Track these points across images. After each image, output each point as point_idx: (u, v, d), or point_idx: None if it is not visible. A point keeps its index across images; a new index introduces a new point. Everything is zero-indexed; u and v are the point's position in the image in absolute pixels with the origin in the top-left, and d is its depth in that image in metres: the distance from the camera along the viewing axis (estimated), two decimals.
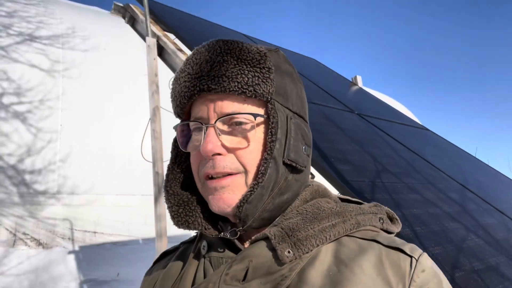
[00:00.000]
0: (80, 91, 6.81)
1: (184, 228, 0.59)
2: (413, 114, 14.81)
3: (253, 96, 0.55)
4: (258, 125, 0.56)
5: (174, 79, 0.61)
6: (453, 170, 2.25)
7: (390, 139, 2.29)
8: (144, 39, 2.33)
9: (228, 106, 0.55)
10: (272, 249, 0.53)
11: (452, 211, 1.55)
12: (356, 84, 3.81)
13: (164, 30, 2.35)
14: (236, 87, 0.54)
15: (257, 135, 0.56)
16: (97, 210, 6.54)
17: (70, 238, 6.23)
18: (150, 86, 2.23)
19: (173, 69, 2.20)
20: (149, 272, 0.73)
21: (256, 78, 0.55)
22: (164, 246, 2.05)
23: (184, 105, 0.58)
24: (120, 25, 7.81)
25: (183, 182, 0.63)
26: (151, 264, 0.76)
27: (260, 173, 0.54)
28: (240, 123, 0.55)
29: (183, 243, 0.73)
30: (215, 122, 0.55)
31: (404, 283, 0.50)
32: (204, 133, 0.55)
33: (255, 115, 0.55)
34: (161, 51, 2.31)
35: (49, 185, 6.23)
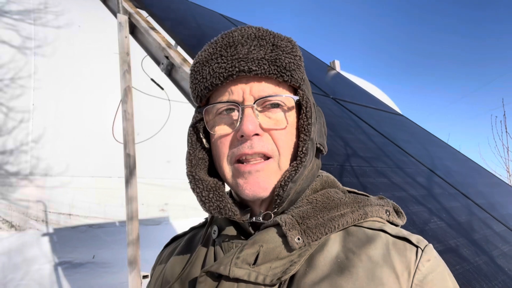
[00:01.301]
0: (53, 70, 6.58)
1: (216, 214, 0.58)
2: (390, 99, 15.03)
3: (289, 81, 0.57)
4: (292, 108, 0.58)
5: (198, 62, 0.60)
6: (422, 155, 2.30)
7: (363, 124, 2.31)
8: (115, 15, 2.25)
9: (265, 89, 0.57)
10: (282, 236, 0.54)
11: (417, 195, 1.59)
12: (334, 68, 3.81)
13: (137, 7, 2.28)
14: (276, 71, 0.56)
15: (291, 119, 0.58)
16: (72, 192, 6.42)
17: (44, 221, 6.12)
18: (121, 66, 2.17)
19: (145, 48, 2.14)
20: (159, 257, 0.75)
21: (292, 64, 0.57)
22: (135, 229, 2.03)
23: (215, 86, 0.58)
24: (95, 1, 7.52)
25: (204, 168, 0.63)
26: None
27: (302, 153, 0.56)
28: (277, 106, 0.57)
29: (192, 228, 0.74)
30: (254, 103, 0.56)
31: (409, 271, 0.52)
32: (242, 114, 0.55)
33: (294, 98, 0.57)
34: (133, 29, 2.24)
35: (21, 166, 6.06)
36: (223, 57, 0.57)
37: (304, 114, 0.58)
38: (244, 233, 0.60)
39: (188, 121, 0.64)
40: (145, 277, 2.08)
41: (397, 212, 0.65)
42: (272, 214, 0.58)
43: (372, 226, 0.58)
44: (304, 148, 0.56)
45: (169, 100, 2.41)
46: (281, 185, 0.55)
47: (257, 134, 0.56)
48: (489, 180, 2.69)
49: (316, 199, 0.59)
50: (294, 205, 0.58)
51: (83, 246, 5.88)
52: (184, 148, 0.65)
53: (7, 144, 6.00)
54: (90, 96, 6.69)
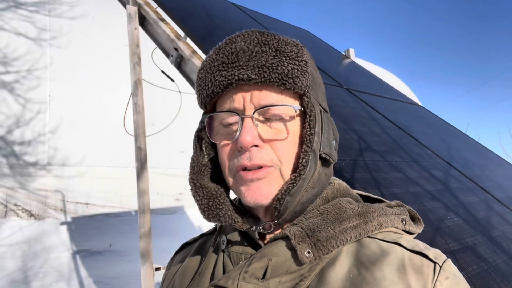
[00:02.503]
0: (68, 61, 6.64)
1: (215, 221, 0.58)
2: (409, 88, 14.74)
3: (292, 89, 0.55)
4: (294, 117, 0.56)
5: (202, 68, 0.60)
6: (440, 147, 2.23)
7: (378, 115, 2.25)
8: (124, 6, 2.23)
9: (266, 97, 0.54)
10: (292, 249, 0.52)
11: (433, 190, 1.54)
12: (348, 57, 3.72)
13: None
14: (277, 78, 0.54)
15: (294, 128, 0.56)
16: (89, 182, 6.53)
17: (62, 210, 6.25)
18: (131, 58, 2.15)
19: (155, 40, 2.11)
20: (169, 263, 0.75)
21: (295, 70, 0.54)
22: (147, 221, 2.04)
23: (216, 95, 0.57)
24: None
25: (207, 175, 0.62)
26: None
27: (301, 165, 0.53)
28: (278, 115, 0.55)
29: (202, 235, 0.74)
30: (253, 113, 0.54)
31: None
32: (241, 124, 0.54)
33: (295, 107, 0.55)
34: (143, 21, 2.21)
35: (39, 156, 6.19)
36: (224, 65, 0.55)
37: (307, 124, 0.55)
38: (253, 244, 0.58)
39: (200, 111, 0.64)
40: (157, 269, 2.09)
41: (413, 219, 0.61)
42: (272, 225, 0.56)
43: (386, 238, 0.55)
44: (304, 160, 0.53)
45: (180, 92, 2.39)
46: (278, 198, 0.53)
47: (256, 146, 0.54)
48: (510, 172, 2.60)
49: (327, 210, 0.56)
50: (304, 215, 0.56)
51: (100, 234, 6.00)
52: None
53: (25, 135, 6.12)
54: (105, 86, 6.75)
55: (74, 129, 6.47)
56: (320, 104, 0.59)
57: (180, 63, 1.87)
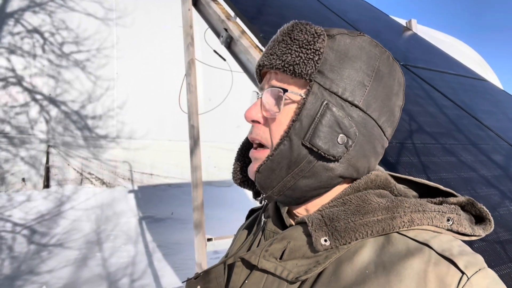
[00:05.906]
0: (133, 39, 6.99)
1: (237, 184, 0.66)
2: (484, 58, 13.49)
3: (293, 75, 0.56)
4: (292, 103, 0.57)
5: None
6: (505, 128, 2.05)
7: (437, 93, 2.12)
8: None
9: (276, 82, 0.58)
10: (309, 235, 0.53)
11: (490, 175, 1.44)
12: (410, 29, 3.49)
13: None
14: (280, 65, 0.56)
15: (289, 113, 0.56)
16: (153, 154, 6.98)
17: (129, 179, 6.78)
18: (185, 39, 2.23)
19: (207, 20, 2.16)
20: (242, 225, 0.81)
21: (299, 58, 0.55)
22: (200, 195, 2.16)
23: (258, 77, 0.65)
24: None
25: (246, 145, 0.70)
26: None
27: (273, 147, 0.56)
28: (280, 98, 0.57)
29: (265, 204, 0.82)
30: (262, 93, 0.60)
31: None
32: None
33: (284, 90, 0.56)
34: (196, 1, 2.27)
35: (109, 130, 6.71)
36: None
37: (297, 109, 0.55)
38: (284, 225, 0.61)
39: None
40: (209, 239, 2.23)
41: (483, 219, 0.53)
42: (263, 198, 0.61)
43: (418, 236, 0.50)
44: (277, 143, 0.56)
45: (231, 71, 2.44)
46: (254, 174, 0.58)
47: (258, 122, 0.59)
48: None
49: (350, 200, 0.54)
50: (329, 203, 0.56)
51: (163, 203, 6.45)
52: None
53: (96, 110, 6.64)
54: (166, 63, 7.03)
55: (139, 105, 6.89)
56: (339, 96, 0.54)
57: (229, 43, 1.90)
